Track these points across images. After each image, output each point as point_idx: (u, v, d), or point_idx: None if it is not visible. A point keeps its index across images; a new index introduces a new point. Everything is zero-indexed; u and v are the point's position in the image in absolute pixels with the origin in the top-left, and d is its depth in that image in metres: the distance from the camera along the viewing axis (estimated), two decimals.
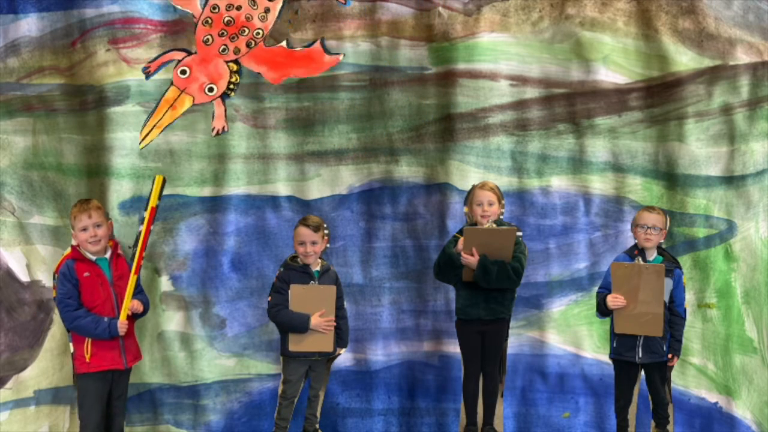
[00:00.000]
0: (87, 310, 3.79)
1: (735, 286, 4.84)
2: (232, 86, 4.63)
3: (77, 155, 4.73)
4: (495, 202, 4.22)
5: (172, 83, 4.70)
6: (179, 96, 4.66)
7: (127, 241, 4.22)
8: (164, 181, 3.93)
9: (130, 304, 3.83)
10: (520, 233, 4.25)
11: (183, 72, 4.54)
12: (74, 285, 3.78)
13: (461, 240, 4.14)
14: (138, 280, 3.89)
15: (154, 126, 4.69)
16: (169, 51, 4.68)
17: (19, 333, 4.54)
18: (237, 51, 4.58)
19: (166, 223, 4.79)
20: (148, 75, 4.65)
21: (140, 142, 4.69)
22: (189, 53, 4.67)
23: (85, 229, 3.81)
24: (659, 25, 4.83)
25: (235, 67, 4.67)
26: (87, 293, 3.81)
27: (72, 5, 4.68)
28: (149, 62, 4.62)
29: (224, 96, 4.70)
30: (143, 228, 3.87)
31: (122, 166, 4.76)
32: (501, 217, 4.29)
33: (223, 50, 4.57)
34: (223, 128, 4.61)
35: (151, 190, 3.88)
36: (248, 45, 4.51)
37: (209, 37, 4.56)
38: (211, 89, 4.59)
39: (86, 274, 3.80)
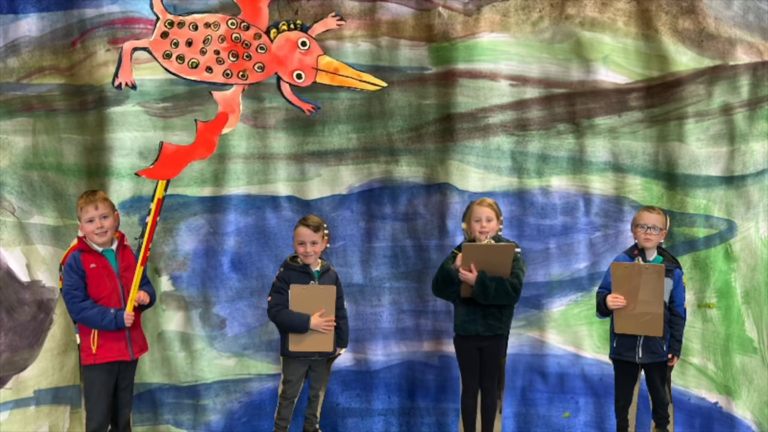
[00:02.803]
0: (93, 301, 3.80)
1: (735, 286, 4.84)
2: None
3: (77, 155, 4.72)
4: (493, 218, 4.20)
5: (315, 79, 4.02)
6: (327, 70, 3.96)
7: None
8: None
9: (136, 295, 3.84)
10: (518, 249, 4.24)
11: (299, 76, 3.88)
12: (80, 276, 3.80)
13: (459, 256, 4.12)
14: (144, 271, 3.90)
15: (359, 80, 3.97)
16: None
17: (19, 333, 4.53)
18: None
19: (166, 223, 4.78)
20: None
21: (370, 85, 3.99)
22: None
23: (91, 221, 3.82)
24: (659, 25, 4.83)
25: None
26: (93, 284, 3.82)
27: (72, 5, 4.67)
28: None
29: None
30: (149, 219, 3.87)
31: (122, 166, 4.75)
32: (499, 233, 4.27)
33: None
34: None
35: (158, 181, 3.88)
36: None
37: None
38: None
39: (93, 265, 3.82)
